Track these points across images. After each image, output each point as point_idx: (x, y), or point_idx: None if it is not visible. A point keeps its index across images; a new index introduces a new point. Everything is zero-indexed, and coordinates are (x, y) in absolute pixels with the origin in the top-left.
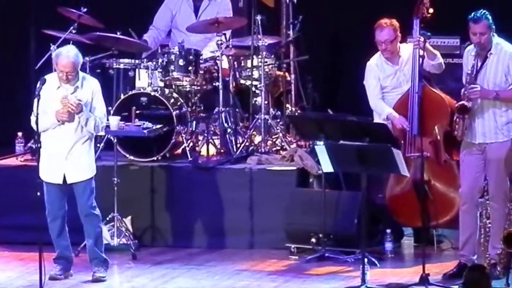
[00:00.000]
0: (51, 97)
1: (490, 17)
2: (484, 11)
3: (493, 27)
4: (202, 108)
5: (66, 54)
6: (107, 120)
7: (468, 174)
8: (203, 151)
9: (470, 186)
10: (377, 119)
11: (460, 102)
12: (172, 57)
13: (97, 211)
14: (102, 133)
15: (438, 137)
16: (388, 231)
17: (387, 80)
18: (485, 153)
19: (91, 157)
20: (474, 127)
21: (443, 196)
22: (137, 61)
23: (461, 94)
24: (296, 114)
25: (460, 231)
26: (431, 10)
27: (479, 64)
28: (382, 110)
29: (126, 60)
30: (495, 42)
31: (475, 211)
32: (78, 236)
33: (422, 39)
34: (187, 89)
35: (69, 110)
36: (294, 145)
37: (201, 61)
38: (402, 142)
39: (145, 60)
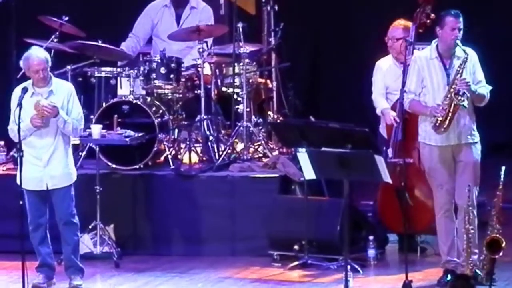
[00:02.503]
0: (25, 105)
1: None
2: None
3: None
4: (184, 116)
5: (36, 54)
6: (89, 128)
7: (445, 181)
8: (185, 159)
9: (449, 192)
10: (383, 122)
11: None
12: (154, 65)
13: (76, 219)
14: (77, 140)
15: None
16: (371, 237)
17: (391, 81)
18: (459, 155)
19: (71, 163)
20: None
21: (424, 202)
22: (118, 70)
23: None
24: (278, 121)
25: (444, 237)
26: (433, 16)
27: (447, 65)
28: (379, 105)
29: (108, 69)
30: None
31: (453, 215)
32: (60, 244)
33: (403, 45)
34: (169, 97)
35: (43, 115)
36: (276, 152)
37: (182, 69)
38: (385, 148)
39: (126, 68)
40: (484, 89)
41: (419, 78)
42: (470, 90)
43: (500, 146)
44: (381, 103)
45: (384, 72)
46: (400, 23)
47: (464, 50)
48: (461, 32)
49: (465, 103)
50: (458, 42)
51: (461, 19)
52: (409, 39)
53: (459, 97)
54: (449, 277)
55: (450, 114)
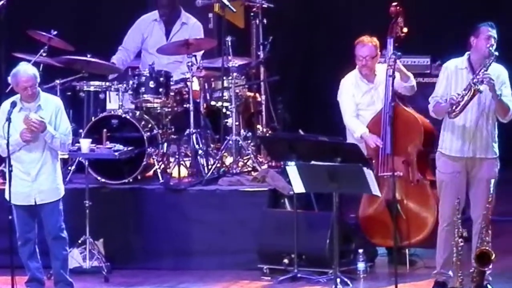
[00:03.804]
0: (13, 119)
1: None
2: None
3: None
4: (173, 130)
5: (24, 70)
6: (78, 142)
7: (451, 193)
8: (175, 173)
9: (454, 206)
10: (350, 137)
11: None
12: (143, 79)
13: (65, 234)
14: (66, 155)
15: (411, 157)
16: (361, 251)
17: (361, 98)
18: (472, 170)
19: (59, 178)
20: (464, 140)
21: (416, 215)
22: (107, 84)
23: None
24: (267, 134)
25: (442, 249)
26: (405, 29)
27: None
28: (356, 129)
29: (97, 83)
30: None
31: (454, 229)
32: (49, 259)
33: (393, 58)
34: (158, 111)
35: (32, 129)
36: (265, 166)
37: (171, 83)
38: (375, 161)
39: (115, 82)
40: (510, 102)
41: (447, 84)
42: (493, 89)
43: None
44: (358, 127)
45: (352, 90)
46: (369, 39)
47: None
48: (495, 43)
49: (482, 87)
50: (492, 50)
51: (495, 30)
52: (394, 52)
53: (477, 85)
54: None
55: (465, 98)
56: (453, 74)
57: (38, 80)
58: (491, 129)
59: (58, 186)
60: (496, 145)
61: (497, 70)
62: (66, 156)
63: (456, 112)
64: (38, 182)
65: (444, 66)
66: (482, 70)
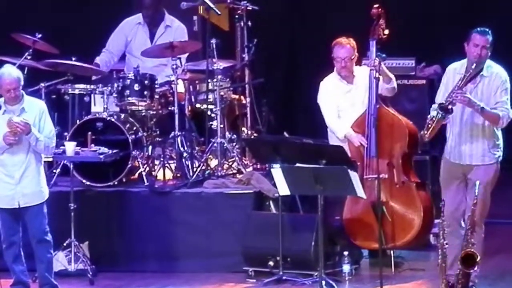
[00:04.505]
0: None
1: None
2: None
3: (491, 48)
4: (158, 132)
5: (9, 72)
6: (63, 145)
7: (450, 197)
8: (160, 176)
9: (453, 209)
10: (332, 139)
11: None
12: (128, 82)
13: (49, 237)
14: (51, 158)
15: (396, 159)
16: (346, 253)
17: (341, 99)
18: (469, 174)
19: (43, 181)
20: (461, 147)
21: (401, 217)
22: (92, 86)
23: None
24: (252, 137)
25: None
26: (386, 31)
27: (468, 79)
28: (339, 129)
29: (82, 86)
30: (487, 64)
31: (460, 232)
32: (34, 262)
33: (377, 60)
34: (143, 114)
35: (16, 132)
36: (250, 168)
37: (156, 86)
38: (359, 164)
39: (100, 85)
40: (500, 110)
41: (446, 89)
42: (470, 105)
43: None
44: (341, 127)
45: (332, 92)
46: (346, 41)
47: (493, 72)
48: (488, 51)
49: (439, 115)
50: (489, 62)
51: (487, 37)
52: (379, 54)
53: (443, 111)
54: None
55: (431, 124)
56: (451, 78)
57: (22, 82)
58: (489, 136)
59: (42, 189)
60: (495, 150)
61: (494, 70)
62: (51, 159)
63: (426, 134)
64: (21, 185)
65: (447, 69)
66: (455, 89)
